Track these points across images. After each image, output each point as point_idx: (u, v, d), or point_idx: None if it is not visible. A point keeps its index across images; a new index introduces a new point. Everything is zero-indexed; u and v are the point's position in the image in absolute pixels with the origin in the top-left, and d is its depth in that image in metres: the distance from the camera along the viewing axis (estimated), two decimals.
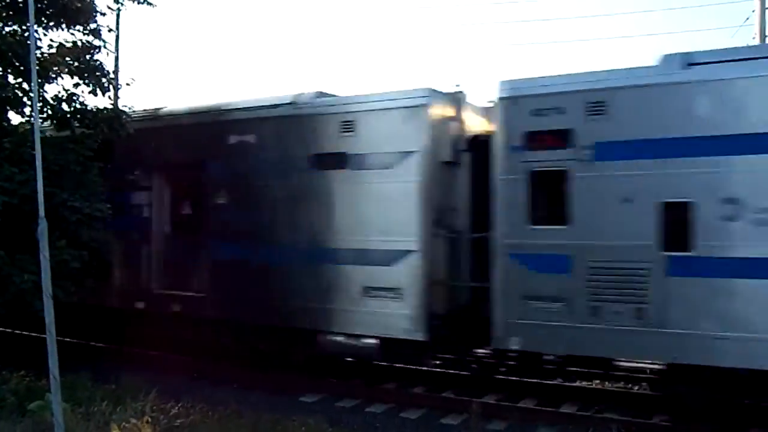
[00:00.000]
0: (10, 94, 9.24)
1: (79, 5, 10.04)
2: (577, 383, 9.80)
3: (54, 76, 9.93)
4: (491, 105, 9.21)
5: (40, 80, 9.58)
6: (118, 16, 17.71)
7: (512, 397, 9.10)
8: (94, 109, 10.34)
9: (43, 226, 4.89)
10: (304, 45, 54.34)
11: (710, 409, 7.81)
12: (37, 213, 5.07)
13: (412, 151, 8.93)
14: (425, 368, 10.34)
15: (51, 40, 10.21)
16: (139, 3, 11.64)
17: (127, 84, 11.34)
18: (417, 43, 52.03)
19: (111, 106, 10.80)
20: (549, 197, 8.31)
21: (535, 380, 9.54)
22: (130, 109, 10.79)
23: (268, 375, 10.17)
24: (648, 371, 9.45)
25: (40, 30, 9.92)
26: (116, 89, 11.08)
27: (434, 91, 9.19)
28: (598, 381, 9.87)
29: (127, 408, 7.02)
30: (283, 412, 8.10)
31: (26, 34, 9.26)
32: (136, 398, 7.38)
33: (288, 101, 10.16)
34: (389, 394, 9.46)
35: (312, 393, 9.51)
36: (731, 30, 48.15)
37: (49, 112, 9.99)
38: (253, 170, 10.35)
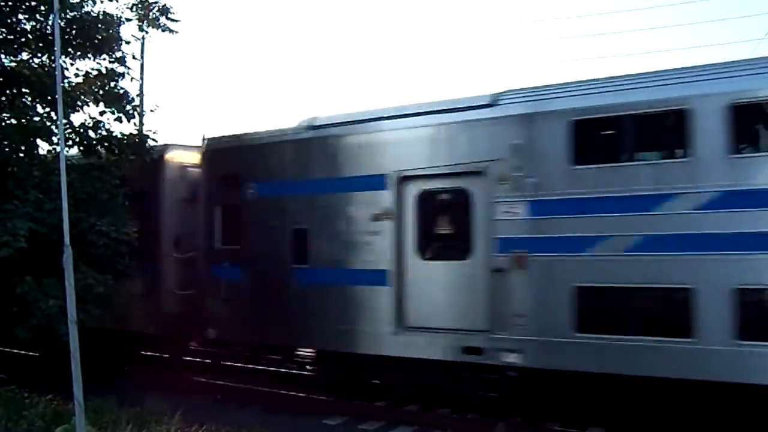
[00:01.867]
0: (38, 124, 9.50)
1: (105, 35, 10.36)
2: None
3: (81, 104, 10.20)
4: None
5: (67, 109, 9.88)
6: (142, 44, 18.18)
7: (540, 418, 8.92)
8: (120, 135, 10.58)
9: (68, 254, 4.97)
10: (315, 68, 55.04)
11: None
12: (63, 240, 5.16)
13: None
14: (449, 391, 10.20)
15: (78, 69, 10.56)
16: (162, 31, 11.98)
17: (151, 110, 11.61)
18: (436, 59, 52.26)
19: (136, 132, 11.05)
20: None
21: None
22: (154, 133, 11.04)
23: (292, 397, 10.14)
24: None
25: (67, 60, 10.25)
26: (141, 115, 11.33)
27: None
28: None
29: (152, 431, 7.04)
30: None
31: (54, 64, 9.56)
32: (161, 421, 7.41)
33: None
34: (413, 417, 9.35)
35: (335, 415, 9.45)
36: (753, 43, 47.66)
37: (76, 139, 10.25)
38: None
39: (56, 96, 6.39)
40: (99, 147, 10.38)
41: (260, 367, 12.05)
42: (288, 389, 10.52)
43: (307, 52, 55.87)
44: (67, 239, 5.04)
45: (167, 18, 12.34)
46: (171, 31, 12.49)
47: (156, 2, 11.91)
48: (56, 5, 5.55)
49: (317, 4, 58.10)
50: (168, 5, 11.95)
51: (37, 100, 9.74)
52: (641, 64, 49.71)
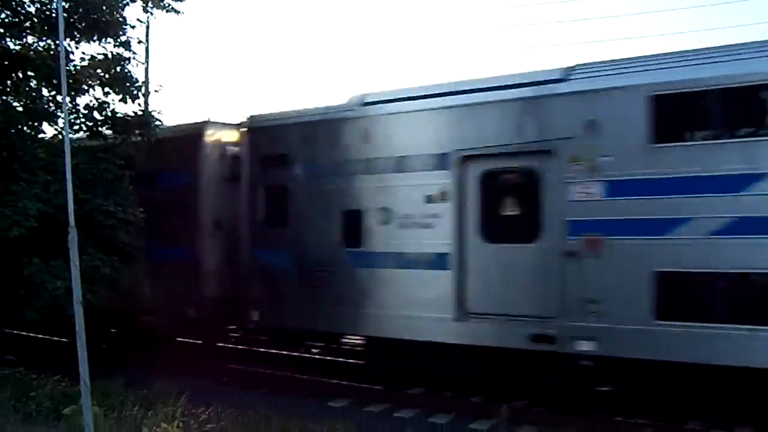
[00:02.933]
0: (44, 106, 9.52)
1: (109, 19, 10.32)
2: None
3: (86, 87, 10.20)
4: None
5: (72, 92, 9.89)
6: (147, 27, 18.13)
7: (540, 401, 8.95)
8: (124, 116, 10.59)
9: (72, 235, 5.00)
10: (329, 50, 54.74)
11: None
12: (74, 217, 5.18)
13: None
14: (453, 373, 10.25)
15: (83, 53, 10.54)
16: (167, 11, 11.90)
17: (156, 91, 11.60)
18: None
19: (141, 112, 11.05)
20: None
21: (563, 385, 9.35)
22: (158, 113, 11.05)
23: (297, 379, 10.22)
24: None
25: (72, 44, 10.24)
26: (146, 96, 11.32)
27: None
28: None
29: (158, 413, 7.12)
30: (312, 416, 8.13)
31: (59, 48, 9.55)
32: (167, 403, 7.48)
33: None
34: (417, 399, 9.40)
35: (340, 398, 9.52)
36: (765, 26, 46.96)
37: (82, 120, 10.27)
38: None
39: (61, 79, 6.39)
40: (104, 128, 10.39)
41: (263, 350, 12.13)
42: (296, 372, 10.59)
43: (315, 34, 55.54)
44: (71, 220, 5.07)
45: None
46: (176, 11, 12.42)
47: None
48: None
49: None
50: None
51: (43, 83, 9.74)
52: (642, 48, 49.15)
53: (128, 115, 10.63)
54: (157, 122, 10.87)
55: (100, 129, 10.40)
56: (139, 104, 11.00)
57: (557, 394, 9.13)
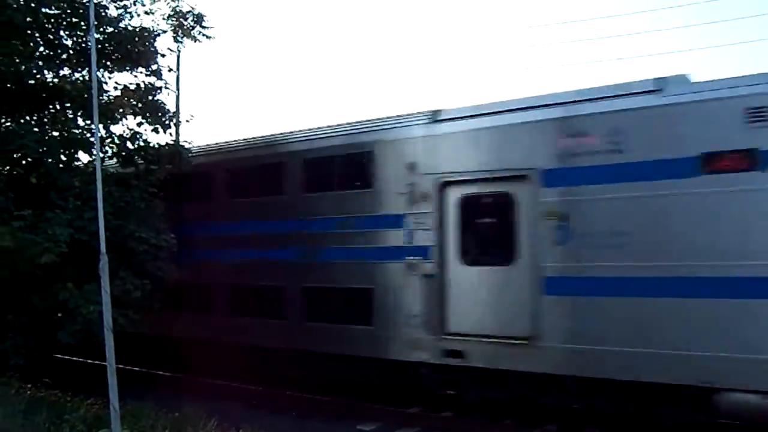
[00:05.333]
0: (79, 136, 9.82)
1: (142, 49, 10.65)
2: None
3: (119, 116, 10.51)
4: None
5: (107, 121, 10.20)
6: (178, 57, 18.68)
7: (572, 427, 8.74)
8: (157, 146, 10.86)
9: (104, 262, 5.11)
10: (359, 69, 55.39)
11: None
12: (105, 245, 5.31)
13: None
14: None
15: (116, 83, 10.87)
16: (196, 41, 12.27)
17: (187, 121, 11.90)
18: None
19: (172, 143, 11.32)
20: None
21: None
22: (189, 144, 11.29)
23: (326, 403, 10.19)
24: None
25: (106, 74, 10.56)
26: (177, 126, 11.61)
27: None
28: None
29: None
30: None
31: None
32: (197, 426, 7.53)
33: None
34: (448, 422, 9.28)
35: (370, 421, 9.44)
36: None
37: (115, 150, 10.56)
38: None
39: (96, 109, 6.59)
40: (137, 157, 10.66)
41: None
42: (322, 395, 10.57)
43: (336, 51, 56.33)
44: (103, 247, 5.19)
45: (201, 26, 12.65)
46: (207, 37, 12.78)
47: (190, 11, 12.22)
48: (92, 21, 5.75)
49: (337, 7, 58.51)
50: (202, 14, 12.25)
51: (78, 113, 10.07)
52: (650, 66, 48.57)
53: (160, 145, 10.89)
54: (188, 152, 11.10)
55: (133, 158, 10.67)
56: (171, 134, 11.28)
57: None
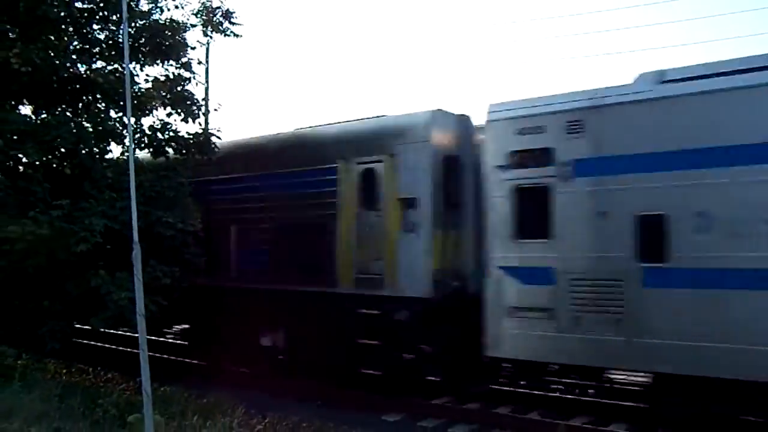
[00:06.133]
0: (111, 128, 10.03)
1: (171, 41, 10.80)
2: None
3: (150, 108, 10.68)
4: None
5: (138, 113, 10.39)
6: (207, 49, 18.92)
7: (601, 420, 8.67)
8: (186, 135, 11.03)
9: (137, 251, 5.22)
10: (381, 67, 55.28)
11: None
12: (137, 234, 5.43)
13: None
14: (508, 388, 10.09)
15: (147, 75, 11.06)
16: (225, 35, 12.38)
17: (215, 110, 12.04)
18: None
19: (201, 131, 11.48)
20: None
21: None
22: (218, 132, 11.45)
23: (352, 393, 10.27)
24: None
25: (137, 66, 10.74)
26: (206, 116, 11.75)
27: None
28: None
29: (217, 423, 7.31)
30: (366, 430, 8.15)
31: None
32: (225, 413, 7.68)
33: None
34: (473, 415, 9.28)
35: (394, 412, 9.49)
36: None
37: (146, 141, 10.75)
38: None
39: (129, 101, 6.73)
40: (167, 148, 10.84)
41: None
42: (347, 386, 10.66)
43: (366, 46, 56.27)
44: (135, 237, 5.30)
45: (230, 22, 12.75)
46: (235, 35, 12.89)
47: (219, 7, 12.34)
48: (124, 15, 5.86)
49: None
50: (231, 9, 12.35)
51: (111, 105, 10.27)
52: (645, 61, 47.42)
53: (190, 134, 11.06)
54: (216, 141, 11.24)
55: (163, 148, 10.85)
56: (200, 123, 11.42)
57: None
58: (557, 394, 9.24)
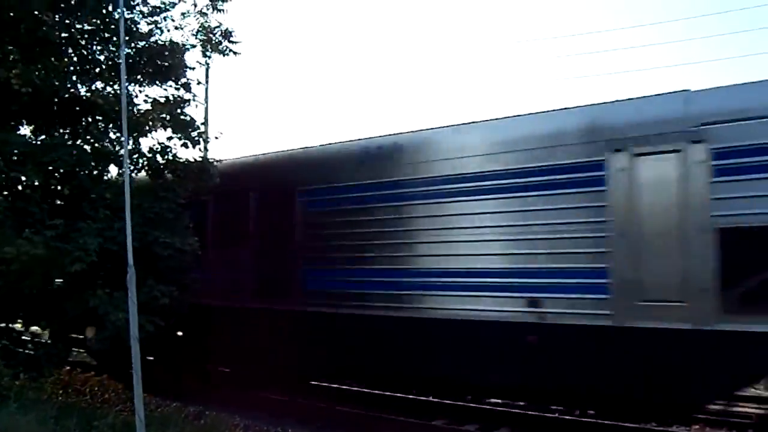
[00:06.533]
0: (110, 149, 10.05)
1: (171, 62, 10.87)
2: None
3: (149, 129, 10.71)
4: None
5: (136, 134, 10.42)
6: (207, 69, 19.06)
7: None
8: (185, 161, 11.04)
9: (131, 274, 5.22)
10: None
11: None
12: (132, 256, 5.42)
13: None
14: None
15: (146, 96, 11.10)
16: (224, 55, 12.46)
17: (216, 138, 12.09)
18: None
19: (200, 158, 11.49)
20: None
21: None
22: (217, 161, 11.46)
23: (349, 413, 10.17)
24: None
25: (137, 87, 10.80)
26: (206, 141, 11.77)
27: None
28: None
29: None
30: None
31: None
32: None
33: None
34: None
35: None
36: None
37: (145, 163, 10.76)
38: None
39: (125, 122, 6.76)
40: (166, 171, 10.85)
41: (315, 384, 12.14)
42: (344, 407, 10.57)
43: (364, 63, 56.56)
44: (130, 259, 5.30)
45: (229, 41, 12.81)
46: (234, 53, 12.94)
47: (218, 26, 12.41)
48: (122, 38, 5.91)
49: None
50: (230, 29, 12.42)
51: (110, 126, 10.30)
52: (650, 80, 47.73)
53: (188, 161, 11.06)
54: (215, 168, 11.25)
55: (162, 172, 10.85)
56: (200, 149, 11.42)
57: None
58: None
